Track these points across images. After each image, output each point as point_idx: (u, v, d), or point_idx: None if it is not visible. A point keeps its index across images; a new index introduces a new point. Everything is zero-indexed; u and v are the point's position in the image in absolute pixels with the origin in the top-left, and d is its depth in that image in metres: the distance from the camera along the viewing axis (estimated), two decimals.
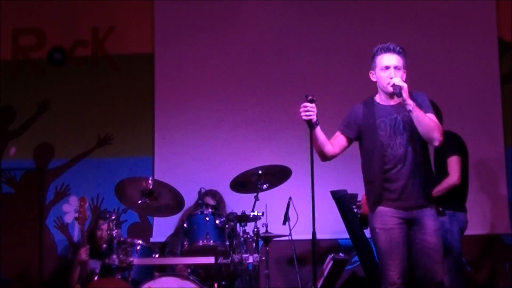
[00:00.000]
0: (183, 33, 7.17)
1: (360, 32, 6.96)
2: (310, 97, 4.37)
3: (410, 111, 4.31)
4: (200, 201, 6.00)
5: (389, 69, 4.41)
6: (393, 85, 4.34)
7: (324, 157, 4.56)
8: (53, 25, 7.34)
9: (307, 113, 4.34)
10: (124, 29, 7.27)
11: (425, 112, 4.35)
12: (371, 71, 4.55)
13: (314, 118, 4.37)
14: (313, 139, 4.42)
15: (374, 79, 4.55)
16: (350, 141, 4.63)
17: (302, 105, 4.36)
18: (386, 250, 4.39)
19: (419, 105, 4.35)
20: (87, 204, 5.86)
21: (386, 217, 4.42)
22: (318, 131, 4.45)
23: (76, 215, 5.73)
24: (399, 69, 4.42)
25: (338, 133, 4.61)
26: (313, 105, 4.36)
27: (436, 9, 6.90)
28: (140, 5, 7.27)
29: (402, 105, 4.38)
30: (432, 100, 4.58)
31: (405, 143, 4.40)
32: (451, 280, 5.56)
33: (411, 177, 4.40)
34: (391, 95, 4.45)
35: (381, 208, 4.45)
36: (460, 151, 5.76)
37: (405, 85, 4.31)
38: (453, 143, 5.77)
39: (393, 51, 4.43)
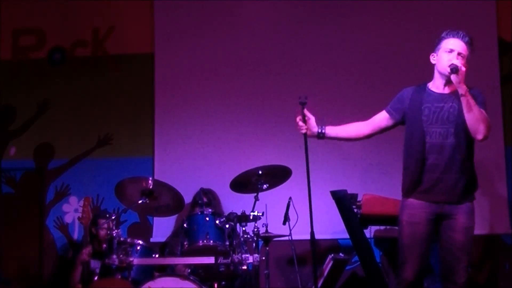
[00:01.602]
0: (183, 33, 7.17)
1: (360, 32, 6.96)
2: (300, 100, 4.46)
3: (462, 95, 4.23)
4: (198, 199, 6.04)
5: (453, 52, 4.38)
6: (452, 65, 4.27)
7: (356, 141, 4.60)
8: (53, 25, 7.34)
9: (300, 129, 4.46)
10: (124, 29, 7.27)
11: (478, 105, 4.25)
12: (432, 53, 4.49)
13: (310, 131, 4.47)
14: (334, 139, 4.45)
15: (433, 61, 4.49)
16: (393, 123, 4.61)
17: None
18: (408, 244, 4.36)
19: (474, 97, 4.26)
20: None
21: (415, 210, 4.37)
22: (329, 133, 4.52)
23: (79, 215, 5.73)
24: (462, 56, 4.38)
25: (383, 112, 4.61)
26: (307, 115, 4.46)
27: (436, 9, 6.90)
28: (140, 5, 7.27)
29: (453, 95, 4.33)
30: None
31: (446, 134, 4.31)
32: None
33: (447, 171, 4.31)
34: (446, 81, 4.37)
35: (411, 201, 4.40)
36: None
37: (463, 68, 4.25)
38: None
39: (462, 38, 4.40)
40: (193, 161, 6.95)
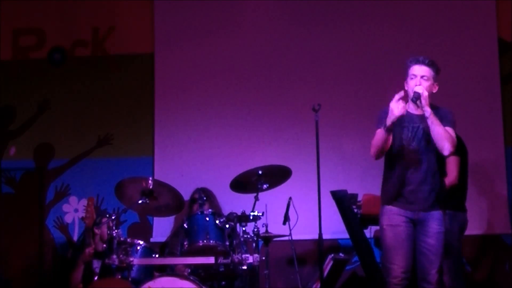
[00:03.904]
0: (183, 33, 7.16)
1: (360, 33, 6.96)
2: (313, 107, 4.72)
3: (427, 117, 4.60)
4: (195, 197, 6.05)
5: (416, 77, 4.69)
6: (414, 93, 4.62)
7: (381, 155, 4.78)
8: (53, 25, 7.34)
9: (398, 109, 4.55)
10: (124, 29, 7.27)
11: (444, 124, 4.63)
12: (405, 81, 4.80)
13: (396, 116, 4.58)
14: (383, 140, 4.67)
15: (406, 88, 4.78)
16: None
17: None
18: (391, 246, 4.67)
19: (440, 117, 4.63)
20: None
21: (394, 215, 4.72)
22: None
23: (82, 215, 5.73)
24: (426, 79, 4.69)
25: (379, 131, 4.75)
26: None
27: (436, 9, 6.90)
28: (140, 5, 7.27)
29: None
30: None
31: (421, 151, 4.71)
32: (451, 280, 5.55)
33: (422, 183, 4.71)
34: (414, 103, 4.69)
35: (390, 207, 4.75)
36: (459, 151, 5.76)
37: (425, 93, 4.59)
38: None
39: (422, 62, 4.71)
40: (193, 161, 6.95)
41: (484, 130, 6.72)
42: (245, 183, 5.74)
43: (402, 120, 4.67)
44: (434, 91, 4.71)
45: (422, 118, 4.69)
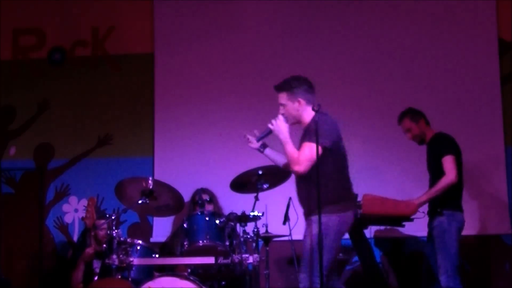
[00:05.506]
0: (183, 33, 7.16)
1: (360, 32, 6.96)
2: (313, 107, 4.70)
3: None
4: (198, 198, 6.03)
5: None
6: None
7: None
8: (53, 25, 7.34)
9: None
10: (124, 29, 7.27)
11: (303, 140, 4.73)
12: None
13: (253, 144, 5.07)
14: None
15: None
16: None
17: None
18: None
19: (306, 132, 4.75)
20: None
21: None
22: (268, 154, 5.12)
23: (83, 215, 5.73)
24: (281, 105, 4.87)
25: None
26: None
27: (436, 9, 6.90)
28: (140, 5, 7.27)
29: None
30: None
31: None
32: (448, 281, 5.55)
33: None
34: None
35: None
36: (454, 151, 5.76)
37: (271, 126, 4.80)
38: (446, 143, 5.79)
39: (275, 89, 4.93)
40: (193, 161, 6.94)
41: (484, 130, 6.72)
42: (245, 183, 5.74)
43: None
44: (299, 108, 4.79)
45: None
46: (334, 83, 6.91)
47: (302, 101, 4.81)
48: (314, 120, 4.68)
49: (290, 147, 4.75)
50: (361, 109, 6.84)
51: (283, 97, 4.87)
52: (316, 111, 4.67)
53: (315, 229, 4.59)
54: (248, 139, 5.15)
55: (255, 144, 5.11)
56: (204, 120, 7.01)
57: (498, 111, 6.73)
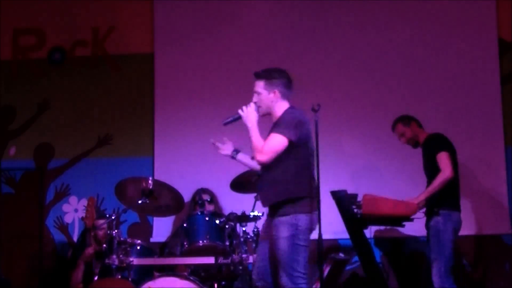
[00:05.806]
0: (183, 33, 7.16)
1: (360, 32, 6.96)
2: (312, 107, 4.71)
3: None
4: (198, 198, 6.03)
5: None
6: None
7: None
8: (53, 25, 7.34)
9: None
10: (124, 29, 7.27)
11: (271, 131, 4.70)
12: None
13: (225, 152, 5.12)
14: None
15: None
16: None
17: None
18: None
19: (275, 124, 4.72)
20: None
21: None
22: (240, 159, 5.13)
23: (83, 214, 5.73)
24: (256, 92, 4.83)
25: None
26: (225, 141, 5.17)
27: (436, 9, 6.90)
28: (140, 5, 7.27)
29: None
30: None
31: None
32: (442, 281, 5.54)
33: None
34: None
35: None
36: (447, 148, 5.76)
37: (242, 113, 4.78)
38: (439, 141, 5.81)
39: (255, 75, 4.87)
40: (193, 161, 6.94)
41: (484, 130, 6.72)
42: (245, 183, 5.74)
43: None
44: (274, 99, 4.76)
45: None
46: (333, 83, 6.92)
47: (278, 94, 4.78)
48: (286, 112, 4.69)
49: (256, 136, 4.73)
50: (361, 109, 6.84)
51: (260, 85, 4.82)
52: (316, 111, 4.67)
53: (286, 231, 4.52)
54: (218, 147, 5.17)
55: (225, 151, 5.14)
56: (204, 120, 7.00)
57: (498, 111, 6.74)
